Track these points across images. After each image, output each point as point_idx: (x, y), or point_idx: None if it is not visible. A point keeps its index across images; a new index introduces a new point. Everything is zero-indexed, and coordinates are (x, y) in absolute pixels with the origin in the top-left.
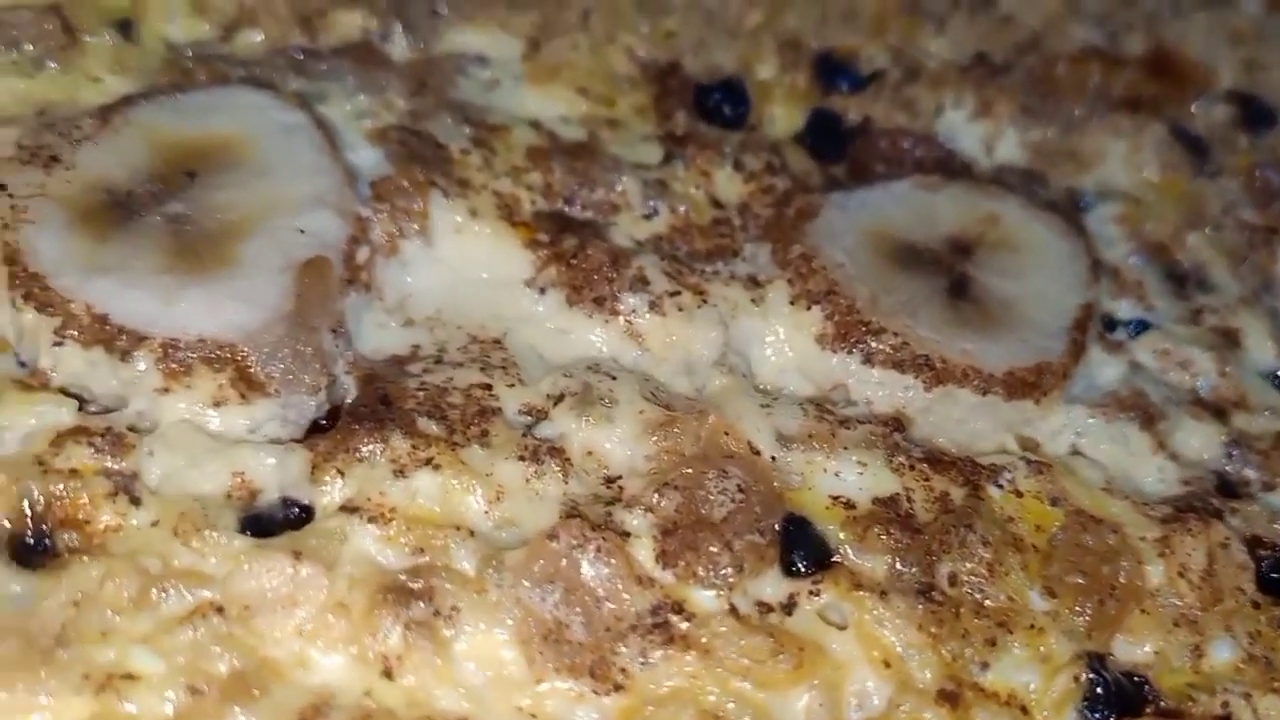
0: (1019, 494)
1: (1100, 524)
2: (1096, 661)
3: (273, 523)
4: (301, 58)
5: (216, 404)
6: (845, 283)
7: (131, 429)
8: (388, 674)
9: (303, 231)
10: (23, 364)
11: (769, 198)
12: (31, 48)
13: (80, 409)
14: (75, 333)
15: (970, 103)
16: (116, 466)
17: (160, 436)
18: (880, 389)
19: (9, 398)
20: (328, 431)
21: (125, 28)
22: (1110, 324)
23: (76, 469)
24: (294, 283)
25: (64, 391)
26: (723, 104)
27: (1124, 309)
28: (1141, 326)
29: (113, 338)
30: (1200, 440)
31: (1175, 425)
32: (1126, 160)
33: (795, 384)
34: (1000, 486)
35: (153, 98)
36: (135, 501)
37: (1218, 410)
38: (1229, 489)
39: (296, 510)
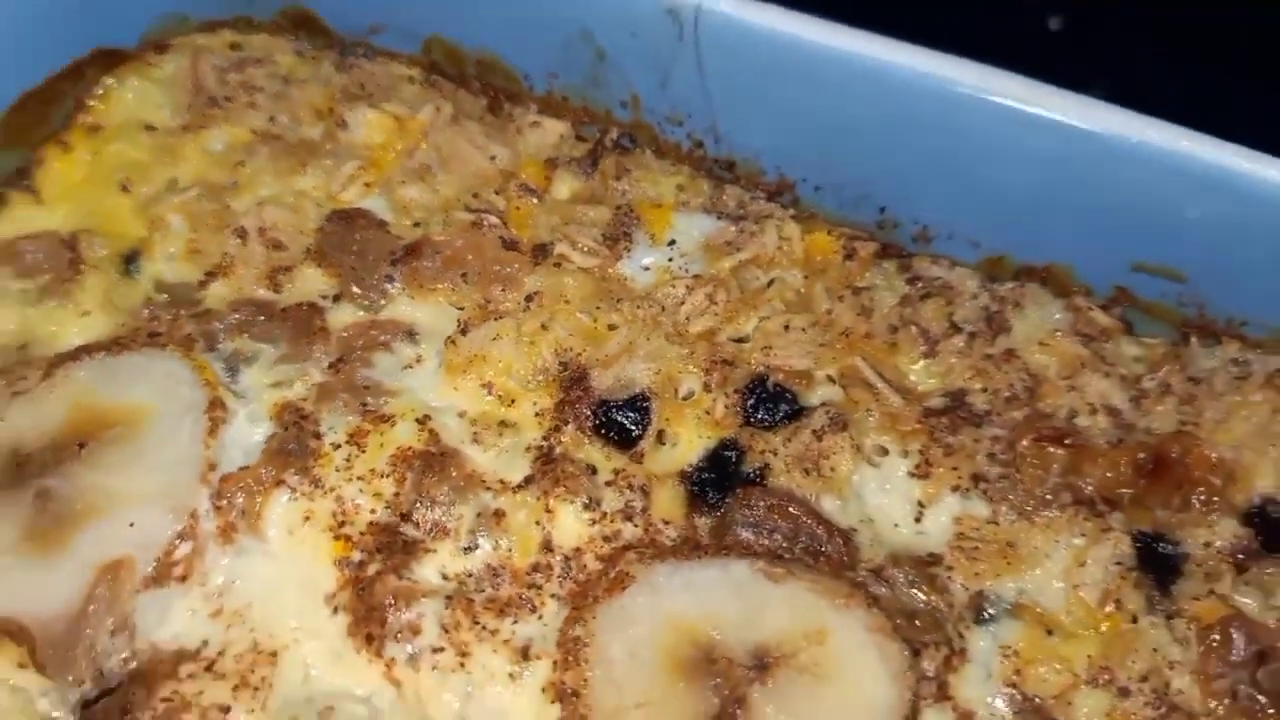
0: None
1: None
2: None
3: None
4: (250, 314)
5: (21, 666)
6: (598, 687)
7: None
8: None
9: (132, 525)
10: None
11: (608, 547)
12: (39, 279)
13: None
14: None
15: (916, 455)
16: None
17: None
18: None
19: None
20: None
21: (131, 260)
22: None
23: None
24: (89, 585)
25: None
26: (621, 420)
27: None
28: None
29: None
30: None
31: None
32: (1066, 571)
33: None
34: None
35: (96, 355)
36: None
37: None
38: None
39: None
